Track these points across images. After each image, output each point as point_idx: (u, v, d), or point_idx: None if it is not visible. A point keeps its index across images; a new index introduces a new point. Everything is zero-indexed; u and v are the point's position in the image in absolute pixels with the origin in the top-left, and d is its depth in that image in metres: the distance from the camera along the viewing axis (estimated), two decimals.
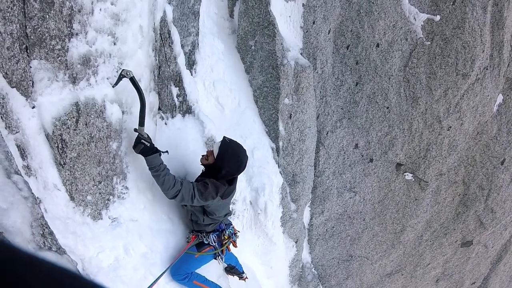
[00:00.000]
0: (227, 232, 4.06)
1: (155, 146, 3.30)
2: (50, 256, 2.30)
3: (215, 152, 3.66)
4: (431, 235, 7.78)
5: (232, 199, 4.96)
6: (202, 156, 3.80)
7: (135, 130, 3.23)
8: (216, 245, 3.98)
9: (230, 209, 4.85)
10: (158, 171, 3.32)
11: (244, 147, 5.30)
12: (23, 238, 2.16)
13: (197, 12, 4.47)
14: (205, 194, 3.54)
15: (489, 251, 8.53)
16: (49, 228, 2.49)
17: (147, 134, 3.27)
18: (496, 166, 7.36)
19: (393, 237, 7.45)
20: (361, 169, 6.57)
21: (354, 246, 7.28)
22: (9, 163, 2.30)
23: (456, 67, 6.13)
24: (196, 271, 3.99)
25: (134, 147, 3.25)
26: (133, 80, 3.04)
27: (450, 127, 6.61)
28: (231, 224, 4.28)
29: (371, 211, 7.02)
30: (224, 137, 3.80)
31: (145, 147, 3.21)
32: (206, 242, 3.95)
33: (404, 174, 6.87)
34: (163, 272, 3.48)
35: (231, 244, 4.14)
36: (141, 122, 3.18)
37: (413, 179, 6.95)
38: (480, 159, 7.27)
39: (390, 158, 6.64)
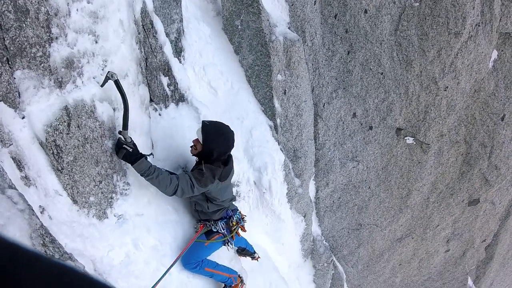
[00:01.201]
0: (234, 218, 4.07)
1: (138, 150, 3.26)
2: None
3: (200, 138, 3.66)
4: (437, 197, 7.81)
5: (235, 181, 5.00)
6: (191, 147, 3.80)
7: (119, 132, 3.21)
8: (225, 232, 3.99)
9: (234, 192, 4.85)
10: (149, 175, 3.29)
11: (242, 128, 5.30)
12: None
13: None
14: (203, 181, 3.53)
15: (497, 207, 8.57)
16: (51, 236, 2.49)
17: (131, 138, 3.24)
18: (496, 123, 7.33)
19: (400, 202, 7.49)
20: (361, 137, 6.56)
21: (362, 215, 7.34)
22: (1, 179, 2.31)
23: (448, 26, 6.04)
24: (208, 257, 4.03)
25: (117, 153, 3.22)
26: (117, 83, 3.02)
27: (447, 87, 6.56)
28: (238, 210, 4.30)
29: (375, 179, 7.04)
30: (203, 121, 3.77)
31: (127, 152, 3.17)
32: (214, 230, 3.96)
33: (405, 138, 6.86)
34: (173, 264, 3.52)
35: (240, 229, 4.16)
36: (125, 126, 3.15)
37: (415, 143, 6.94)
38: (479, 116, 7.23)
39: (389, 123, 6.61)
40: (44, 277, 0.59)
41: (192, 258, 3.84)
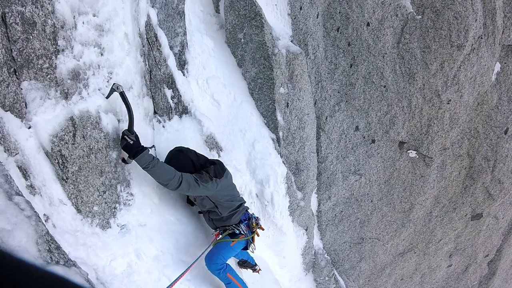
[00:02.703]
0: (253, 220, 4.19)
1: (140, 143, 3.26)
2: (58, 269, 2.33)
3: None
4: (440, 211, 7.74)
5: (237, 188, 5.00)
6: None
7: (124, 130, 3.25)
8: (248, 233, 4.11)
9: (240, 192, 4.85)
10: (153, 166, 3.28)
11: (244, 140, 5.34)
12: (30, 256, 2.19)
13: (182, 11, 4.44)
14: (203, 178, 3.64)
15: (500, 222, 8.48)
16: (56, 243, 2.50)
17: (135, 132, 3.25)
18: (499, 136, 7.28)
19: (403, 216, 7.43)
20: (364, 151, 6.54)
21: (364, 229, 7.27)
22: (9, 186, 2.33)
23: (450, 39, 6.05)
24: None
25: (120, 143, 3.26)
26: (122, 95, 3.07)
27: (450, 100, 6.54)
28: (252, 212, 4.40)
29: (378, 192, 6.99)
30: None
31: (128, 144, 3.18)
32: (237, 232, 4.06)
33: (408, 151, 6.83)
34: (195, 260, 3.59)
35: (259, 229, 4.29)
36: (130, 131, 3.22)
37: (417, 156, 6.90)
38: (483, 130, 7.19)
39: (392, 137, 6.59)
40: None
41: (218, 259, 3.88)
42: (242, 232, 4.06)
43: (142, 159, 3.23)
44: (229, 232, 4.06)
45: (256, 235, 4.20)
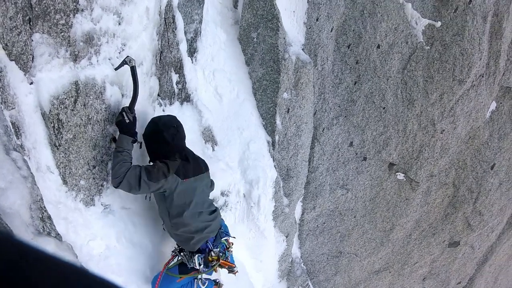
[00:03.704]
0: (215, 252, 3.37)
1: (135, 128, 3.06)
2: (50, 242, 2.19)
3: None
4: (419, 235, 7.89)
5: (225, 190, 4.91)
6: None
7: (124, 107, 3.08)
8: (202, 269, 3.33)
9: (222, 202, 4.37)
10: (120, 153, 2.98)
11: (240, 138, 5.15)
12: (22, 221, 2.04)
13: None
14: (153, 173, 3.04)
15: (476, 252, 8.68)
16: (47, 212, 2.39)
17: (135, 113, 3.09)
18: (486, 171, 7.48)
19: (383, 235, 7.54)
20: (355, 167, 6.63)
21: (343, 243, 7.35)
22: (8, 139, 2.19)
23: (453, 73, 6.22)
24: None
25: (116, 118, 3.07)
26: (133, 70, 2.96)
27: (444, 130, 6.70)
28: (226, 235, 3.65)
29: (362, 209, 7.09)
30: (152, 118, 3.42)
31: (123, 120, 2.98)
32: (189, 266, 3.36)
33: (396, 173, 6.95)
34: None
35: (221, 265, 3.42)
36: (131, 109, 3.08)
37: (405, 179, 7.04)
38: (470, 163, 7.38)
39: (384, 157, 6.71)
40: (53, 274, 0.59)
41: None
42: (194, 267, 3.32)
43: (123, 140, 3.00)
44: (180, 261, 3.40)
45: (214, 271, 3.39)
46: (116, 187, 3.05)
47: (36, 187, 2.26)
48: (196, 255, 3.33)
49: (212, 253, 3.35)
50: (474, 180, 7.52)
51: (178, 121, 3.42)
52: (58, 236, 2.37)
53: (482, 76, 6.53)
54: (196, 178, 3.36)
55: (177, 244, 3.54)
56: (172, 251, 3.56)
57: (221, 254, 3.40)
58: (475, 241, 8.43)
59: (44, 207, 2.36)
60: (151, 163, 3.28)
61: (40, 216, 2.26)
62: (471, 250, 8.55)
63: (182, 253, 3.42)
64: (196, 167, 3.42)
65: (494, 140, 7.31)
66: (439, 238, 8.04)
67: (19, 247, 0.60)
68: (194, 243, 3.33)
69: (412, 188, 7.12)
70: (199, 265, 3.32)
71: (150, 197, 3.54)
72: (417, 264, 8.27)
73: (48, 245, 2.03)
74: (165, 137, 3.21)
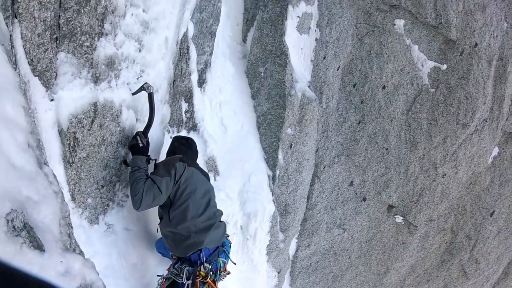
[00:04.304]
0: (205, 267, 3.10)
1: (148, 151, 3.13)
2: (77, 259, 2.07)
3: None
4: (413, 280, 7.73)
5: (224, 219, 4.80)
6: None
7: (138, 132, 3.19)
8: (187, 284, 3.04)
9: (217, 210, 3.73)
10: (137, 171, 2.98)
11: (242, 170, 5.19)
12: (53, 236, 1.99)
13: (214, 32, 4.53)
14: (162, 169, 3.05)
15: None
16: (73, 228, 2.40)
17: (148, 139, 3.17)
18: (485, 217, 7.41)
19: (376, 278, 7.38)
20: (353, 207, 6.55)
21: (336, 283, 7.19)
22: (40, 153, 2.20)
23: (457, 117, 6.23)
24: None
25: (130, 141, 3.16)
26: (150, 97, 3.04)
27: (445, 174, 6.66)
28: (226, 256, 3.41)
29: (357, 250, 6.97)
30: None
31: (137, 144, 3.05)
32: (179, 282, 3.10)
33: (395, 216, 6.87)
34: None
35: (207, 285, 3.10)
36: (145, 134, 3.18)
37: (403, 223, 6.94)
38: (470, 208, 7.31)
39: (383, 199, 6.63)
40: None
41: None
42: (182, 281, 3.05)
43: (137, 160, 3.04)
44: (170, 282, 3.17)
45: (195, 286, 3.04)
46: (138, 208, 2.96)
47: (65, 203, 2.26)
48: (186, 268, 3.09)
49: (202, 267, 3.08)
50: (473, 227, 7.43)
51: (192, 140, 3.63)
52: (81, 253, 2.34)
53: (486, 121, 6.55)
54: (199, 173, 3.35)
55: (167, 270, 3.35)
56: (158, 276, 3.34)
57: (211, 273, 3.10)
58: None
59: (71, 223, 2.34)
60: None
61: (68, 232, 2.25)
62: None
63: (170, 271, 3.23)
64: (200, 169, 3.48)
65: (495, 187, 7.27)
66: (434, 285, 7.89)
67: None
68: (188, 245, 3.10)
69: (410, 232, 7.02)
70: (186, 279, 3.04)
71: (158, 229, 3.51)
72: None
73: (75, 263, 2.00)
74: (174, 144, 3.46)
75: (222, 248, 3.37)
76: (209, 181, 3.57)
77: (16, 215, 1.71)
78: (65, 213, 2.19)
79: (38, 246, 1.80)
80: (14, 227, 1.67)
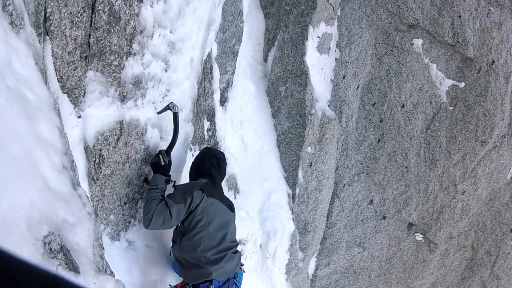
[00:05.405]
0: None
1: (169, 171, 3.13)
2: (110, 280, 2.11)
3: None
4: None
5: (243, 239, 4.82)
6: None
7: (161, 150, 3.21)
8: None
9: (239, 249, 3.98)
10: (153, 190, 2.98)
11: (262, 189, 5.17)
12: (87, 258, 2.00)
13: (236, 52, 4.61)
14: (178, 195, 3.02)
15: None
16: (104, 249, 2.41)
17: (170, 158, 3.18)
18: (505, 233, 7.33)
19: None
20: (373, 225, 6.52)
21: None
22: (73, 174, 2.20)
23: (476, 134, 6.22)
24: None
25: (152, 159, 3.18)
26: (175, 116, 3.10)
27: (465, 191, 6.62)
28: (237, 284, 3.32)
29: (377, 269, 6.90)
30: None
31: (159, 162, 3.06)
32: None
33: (415, 234, 6.81)
34: None
35: None
36: (168, 153, 3.21)
37: (423, 240, 6.88)
38: (490, 225, 7.25)
39: (403, 217, 6.60)
40: None
41: None
42: None
43: (156, 179, 3.05)
44: None
45: None
46: (147, 227, 2.97)
47: (98, 224, 2.28)
48: None
49: None
50: (493, 243, 7.34)
51: (224, 157, 3.49)
52: (112, 274, 2.35)
53: (504, 137, 6.53)
54: (221, 204, 3.23)
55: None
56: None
57: None
58: None
59: (102, 244, 2.35)
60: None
61: (100, 253, 2.27)
62: None
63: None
64: (223, 198, 3.33)
65: None
66: None
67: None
68: (196, 274, 3.06)
69: (430, 250, 6.95)
70: None
71: (171, 252, 3.44)
72: None
73: (108, 284, 2.02)
74: (204, 163, 3.33)
75: (234, 280, 3.28)
76: (232, 210, 3.43)
77: (54, 237, 1.72)
78: (97, 235, 2.21)
79: (73, 268, 1.82)
80: (51, 249, 1.69)
